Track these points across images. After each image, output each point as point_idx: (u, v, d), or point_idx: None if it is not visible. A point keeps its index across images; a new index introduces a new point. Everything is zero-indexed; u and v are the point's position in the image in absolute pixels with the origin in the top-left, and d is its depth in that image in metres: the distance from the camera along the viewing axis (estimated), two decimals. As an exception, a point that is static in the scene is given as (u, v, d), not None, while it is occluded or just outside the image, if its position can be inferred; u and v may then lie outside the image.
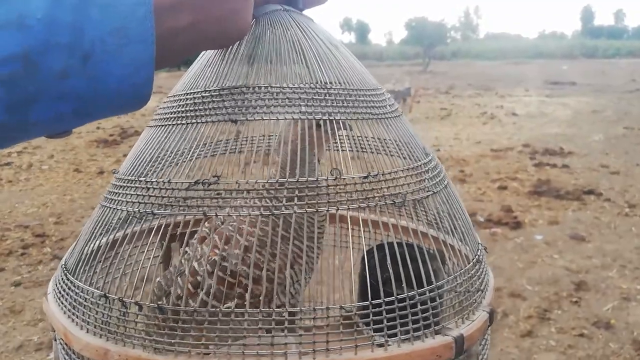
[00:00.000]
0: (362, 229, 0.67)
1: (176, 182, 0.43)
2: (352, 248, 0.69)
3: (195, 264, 0.51)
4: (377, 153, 0.54)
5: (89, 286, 0.46)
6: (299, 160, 0.49)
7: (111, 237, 0.50)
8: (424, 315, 0.42)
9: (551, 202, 3.81)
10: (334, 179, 0.43)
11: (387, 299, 0.41)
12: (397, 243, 0.45)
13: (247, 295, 0.42)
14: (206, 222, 0.54)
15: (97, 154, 5.46)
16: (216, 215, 0.42)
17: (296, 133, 0.51)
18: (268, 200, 0.43)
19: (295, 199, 0.42)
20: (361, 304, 0.41)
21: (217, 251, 0.50)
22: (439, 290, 0.43)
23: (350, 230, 0.70)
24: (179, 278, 0.51)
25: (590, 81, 15.11)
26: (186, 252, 0.54)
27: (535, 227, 3.31)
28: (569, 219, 3.43)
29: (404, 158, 0.50)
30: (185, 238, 0.50)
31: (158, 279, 0.54)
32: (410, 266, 0.44)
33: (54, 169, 4.88)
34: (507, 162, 5.03)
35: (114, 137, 6.18)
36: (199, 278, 0.49)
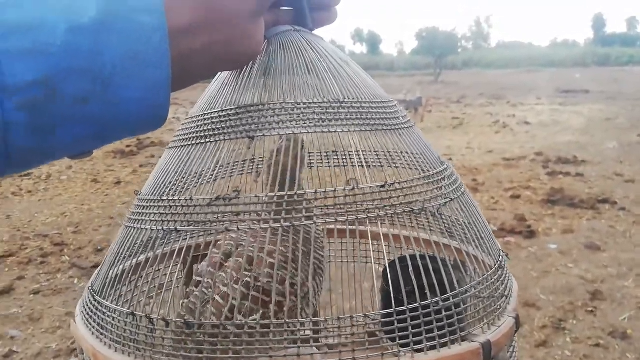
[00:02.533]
0: (382, 243, 0.66)
1: (198, 199, 0.44)
2: (373, 262, 0.69)
3: (225, 289, 0.49)
4: (393, 162, 0.54)
5: (117, 306, 0.46)
6: (289, 177, 0.52)
7: (135, 260, 0.50)
8: (449, 322, 0.42)
9: (565, 211, 3.78)
10: (352, 189, 0.43)
11: (410, 306, 0.41)
12: (420, 255, 0.46)
13: (272, 309, 0.43)
14: (214, 248, 0.54)
15: (114, 165, 5.54)
16: (238, 229, 0.43)
17: (278, 158, 0.53)
18: (287, 213, 0.43)
19: (314, 209, 0.43)
20: (385, 311, 0.41)
21: (246, 272, 0.50)
22: (463, 297, 0.43)
23: (370, 245, 0.70)
24: (208, 306, 0.49)
25: (603, 89, 14.98)
26: (204, 280, 0.53)
27: (549, 236, 3.29)
28: (583, 228, 3.41)
29: (420, 166, 0.50)
30: (196, 266, 0.51)
31: (180, 314, 0.52)
32: (433, 276, 0.44)
33: (73, 179, 4.96)
34: (519, 171, 5.01)
35: (131, 147, 6.27)
36: (234, 302, 0.48)
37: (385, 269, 0.53)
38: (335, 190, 0.44)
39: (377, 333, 0.41)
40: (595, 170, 4.99)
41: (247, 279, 0.50)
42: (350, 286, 0.75)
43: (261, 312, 0.47)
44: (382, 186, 0.44)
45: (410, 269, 0.44)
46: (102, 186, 4.72)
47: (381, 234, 0.51)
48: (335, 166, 0.67)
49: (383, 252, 0.59)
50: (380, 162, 0.57)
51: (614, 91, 14.14)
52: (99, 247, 3.18)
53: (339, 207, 0.43)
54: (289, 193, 0.44)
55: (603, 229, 3.38)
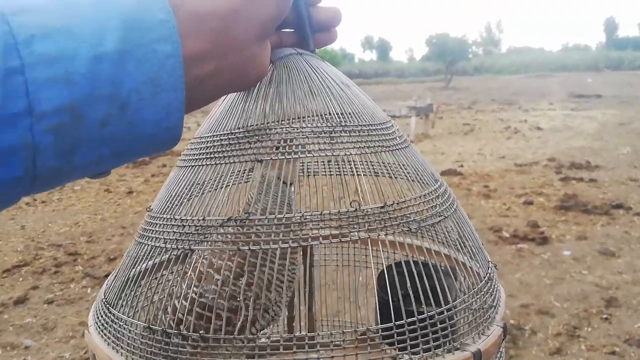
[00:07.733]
0: (380, 249, 0.71)
1: (210, 220, 0.47)
2: (372, 267, 0.71)
3: (176, 302, 0.52)
4: (391, 181, 0.57)
5: (131, 317, 0.48)
6: (280, 198, 0.53)
7: (145, 265, 0.52)
8: (443, 333, 0.45)
9: (579, 216, 3.74)
10: (354, 210, 0.47)
11: (409, 320, 0.43)
12: (413, 261, 0.48)
13: (215, 324, 0.44)
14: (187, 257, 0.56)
15: (127, 174, 5.60)
16: (239, 250, 0.45)
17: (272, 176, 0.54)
18: (297, 233, 0.45)
19: (322, 229, 0.46)
20: (384, 325, 0.44)
21: (195, 289, 0.52)
22: (456, 309, 0.46)
23: (369, 250, 0.72)
24: (163, 315, 0.51)
25: (616, 93, 14.83)
26: (172, 288, 0.55)
27: (562, 242, 3.25)
28: (597, 234, 3.37)
29: (416, 184, 0.53)
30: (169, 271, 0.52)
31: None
32: (426, 283, 0.46)
33: (85, 189, 5.03)
34: (532, 177, 4.97)
35: (143, 157, 6.34)
36: (180, 316, 0.50)
37: (379, 276, 0.55)
38: (339, 212, 0.46)
39: (375, 339, 0.43)
40: (608, 176, 4.93)
41: (193, 294, 0.52)
42: (346, 290, 0.76)
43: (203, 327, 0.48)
44: (382, 207, 0.47)
45: (406, 275, 0.47)
46: (115, 196, 4.78)
47: (379, 242, 0.54)
48: (337, 174, 0.69)
49: (380, 257, 0.62)
50: (378, 182, 0.60)
51: (628, 95, 14.00)
52: (112, 257, 3.21)
53: (342, 227, 0.46)
54: (317, 212, 0.46)
55: (617, 235, 3.34)
